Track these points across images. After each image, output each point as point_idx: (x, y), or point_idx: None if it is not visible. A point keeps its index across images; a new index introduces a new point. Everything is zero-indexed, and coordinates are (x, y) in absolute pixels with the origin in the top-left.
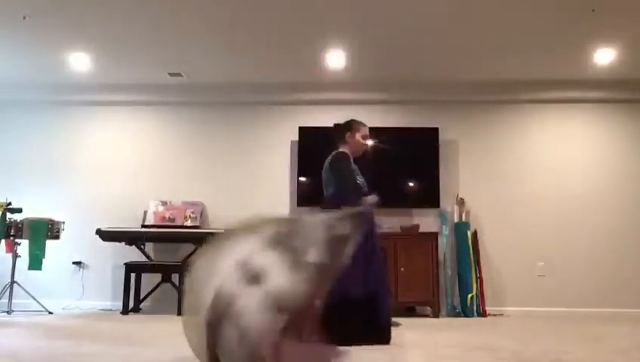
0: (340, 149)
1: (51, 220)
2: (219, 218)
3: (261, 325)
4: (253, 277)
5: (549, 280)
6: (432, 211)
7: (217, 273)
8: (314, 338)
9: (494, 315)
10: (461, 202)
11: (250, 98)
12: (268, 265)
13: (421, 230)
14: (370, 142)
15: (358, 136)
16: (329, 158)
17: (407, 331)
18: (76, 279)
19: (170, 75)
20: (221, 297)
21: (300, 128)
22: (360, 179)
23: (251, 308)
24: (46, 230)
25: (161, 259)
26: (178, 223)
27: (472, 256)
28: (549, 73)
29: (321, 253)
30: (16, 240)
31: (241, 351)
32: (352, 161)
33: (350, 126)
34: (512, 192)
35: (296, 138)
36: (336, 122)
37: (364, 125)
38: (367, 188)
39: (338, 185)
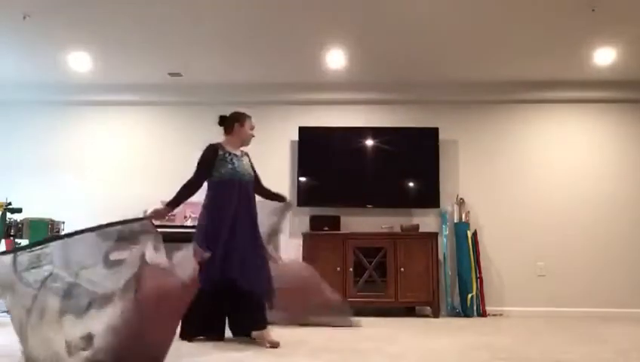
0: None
1: (51, 220)
2: None
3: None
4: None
5: (549, 280)
6: (432, 211)
7: None
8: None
9: (494, 315)
10: (461, 202)
11: (250, 98)
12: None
13: (421, 230)
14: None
15: (247, 126)
16: None
17: (408, 331)
18: None
19: (170, 75)
20: None
21: (300, 128)
22: (230, 166)
23: None
24: (46, 230)
25: None
26: (178, 223)
27: (472, 256)
28: (549, 73)
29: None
30: (16, 240)
31: None
32: (226, 150)
33: (239, 118)
34: (512, 192)
35: (296, 138)
36: (222, 114)
37: (249, 117)
38: (240, 176)
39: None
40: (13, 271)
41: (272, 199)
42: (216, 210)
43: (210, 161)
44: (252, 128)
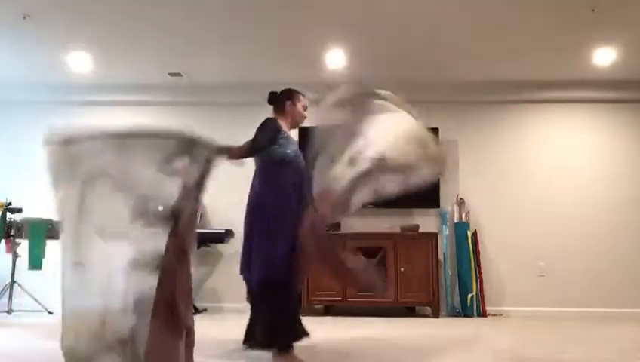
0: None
1: (51, 220)
2: (219, 218)
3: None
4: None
5: (549, 280)
6: (432, 211)
7: None
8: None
9: (494, 315)
10: (461, 202)
11: (250, 98)
12: None
13: (421, 230)
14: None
15: (299, 106)
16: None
17: (407, 331)
18: None
19: (170, 75)
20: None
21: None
22: (292, 148)
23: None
24: (46, 230)
25: None
26: None
27: (472, 256)
28: (549, 73)
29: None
30: (16, 240)
31: None
32: (282, 129)
33: (291, 95)
34: (512, 192)
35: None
36: (272, 90)
37: (302, 94)
38: (300, 160)
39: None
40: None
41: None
42: (284, 195)
43: (275, 133)
44: (305, 108)
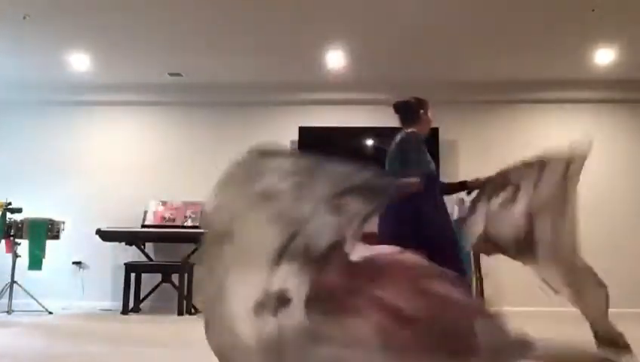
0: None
1: (51, 220)
2: None
3: None
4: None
5: None
6: None
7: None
8: None
9: None
10: (461, 202)
11: (250, 98)
12: None
13: None
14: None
15: (430, 114)
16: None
17: None
18: (76, 279)
19: (170, 75)
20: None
21: (300, 128)
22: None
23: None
24: (46, 230)
25: (161, 259)
26: (178, 223)
27: (472, 256)
28: (549, 73)
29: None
30: (16, 240)
31: None
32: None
33: (424, 104)
34: None
35: (296, 138)
36: (399, 100)
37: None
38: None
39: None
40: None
41: None
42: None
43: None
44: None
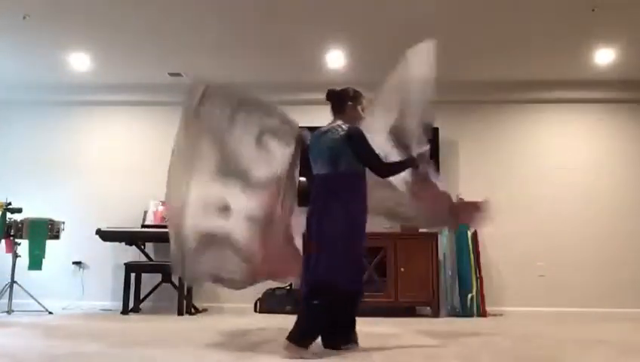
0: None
1: (51, 220)
2: None
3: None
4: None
5: (549, 280)
6: None
7: None
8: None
9: (494, 315)
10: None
11: None
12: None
13: (421, 230)
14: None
15: (360, 109)
16: (343, 132)
17: (407, 331)
18: (76, 279)
19: (170, 75)
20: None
21: (300, 128)
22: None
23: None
24: (46, 230)
25: (161, 259)
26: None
27: (471, 256)
28: (549, 73)
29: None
30: (16, 240)
31: None
32: None
33: (356, 96)
34: (512, 192)
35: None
36: (334, 88)
37: (364, 96)
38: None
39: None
40: None
41: None
42: (364, 206)
43: None
44: (364, 109)
